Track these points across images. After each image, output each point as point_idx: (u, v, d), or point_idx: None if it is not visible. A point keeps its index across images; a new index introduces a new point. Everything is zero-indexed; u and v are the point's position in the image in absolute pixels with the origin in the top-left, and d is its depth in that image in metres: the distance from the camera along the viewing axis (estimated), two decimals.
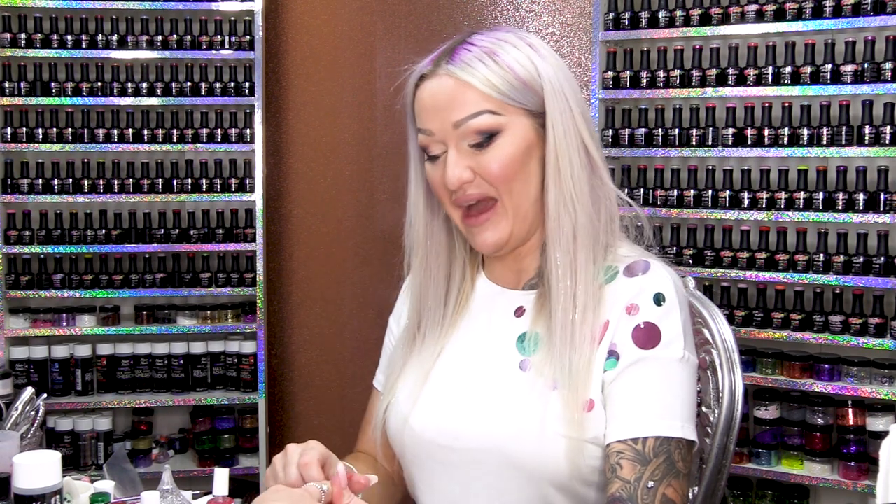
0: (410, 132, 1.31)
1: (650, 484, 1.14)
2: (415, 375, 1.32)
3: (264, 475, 1.19)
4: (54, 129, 3.32)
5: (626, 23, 3.07)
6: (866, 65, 2.73)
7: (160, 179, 3.37)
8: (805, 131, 2.81)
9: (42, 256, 3.38)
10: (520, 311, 1.30)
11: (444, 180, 1.25)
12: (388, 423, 1.34)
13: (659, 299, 1.21)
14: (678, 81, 3.00)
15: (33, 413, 1.57)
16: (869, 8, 2.70)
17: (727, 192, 2.93)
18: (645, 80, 3.05)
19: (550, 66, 1.26)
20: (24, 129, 3.31)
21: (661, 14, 3.02)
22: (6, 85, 3.28)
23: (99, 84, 3.34)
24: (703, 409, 1.40)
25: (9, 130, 3.30)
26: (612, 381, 1.20)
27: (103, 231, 3.36)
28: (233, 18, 3.42)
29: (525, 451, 1.18)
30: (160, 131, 3.36)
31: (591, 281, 1.23)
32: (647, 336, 1.20)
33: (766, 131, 2.87)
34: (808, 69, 2.81)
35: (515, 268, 1.33)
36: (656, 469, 1.15)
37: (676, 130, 3.01)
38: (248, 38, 3.36)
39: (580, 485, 1.20)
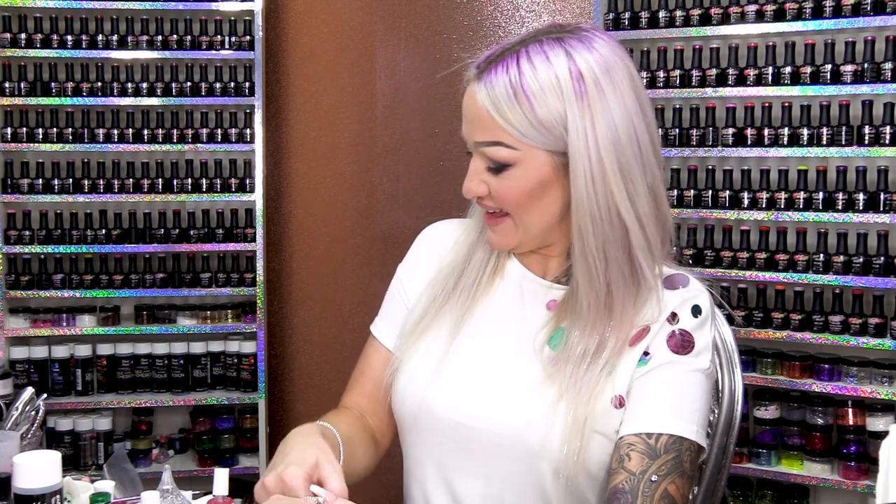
0: None
1: (654, 478, 1.16)
2: (435, 341, 1.33)
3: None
4: (54, 129, 3.31)
5: (626, 23, 3.07)
6: (866, 65, 2.73)
7: (160, 179, 3.37)
8: (805, 131, 2.81)
9: (42, 256, 3.38)
10: (552, 305, 1.31)
11: None
12: (400, 391, 1.34)
13: (696, 311, 1.26)
14: (678, 81, 3.00)
15: (33, 413, 1.57)
16: (869, 8, 2.70)
17: (727, 192, 2.93)
18: (645, 80, 3.04)
19: (588, 113, 1.19)
20: (24, 129, 3.30)
21: (661, 14, 3.02)
22: (6, 85, 3.28)
23: (99, 84, 3.33)
24: None
25: (9, 130, 3.29)
26: (638, 378, 1.22)
27: (103, 231, 3.36)
28: (233, 18, 3.42)
29: (547, 443, 1.20)
30: (160, 131, 3.36)
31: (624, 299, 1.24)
32: (681, 343, 1.23)
33: (766, 131, 2.87)
34: (808, 69, 2.81)
35: (543, 262, 1.35)
36: (663, 465, 1.17)
37: (676, 130, 3.01)
38: (248, 38, 3.36)
39: (585, 477, 1.22)
